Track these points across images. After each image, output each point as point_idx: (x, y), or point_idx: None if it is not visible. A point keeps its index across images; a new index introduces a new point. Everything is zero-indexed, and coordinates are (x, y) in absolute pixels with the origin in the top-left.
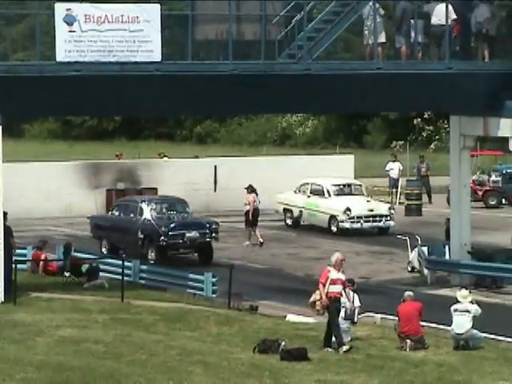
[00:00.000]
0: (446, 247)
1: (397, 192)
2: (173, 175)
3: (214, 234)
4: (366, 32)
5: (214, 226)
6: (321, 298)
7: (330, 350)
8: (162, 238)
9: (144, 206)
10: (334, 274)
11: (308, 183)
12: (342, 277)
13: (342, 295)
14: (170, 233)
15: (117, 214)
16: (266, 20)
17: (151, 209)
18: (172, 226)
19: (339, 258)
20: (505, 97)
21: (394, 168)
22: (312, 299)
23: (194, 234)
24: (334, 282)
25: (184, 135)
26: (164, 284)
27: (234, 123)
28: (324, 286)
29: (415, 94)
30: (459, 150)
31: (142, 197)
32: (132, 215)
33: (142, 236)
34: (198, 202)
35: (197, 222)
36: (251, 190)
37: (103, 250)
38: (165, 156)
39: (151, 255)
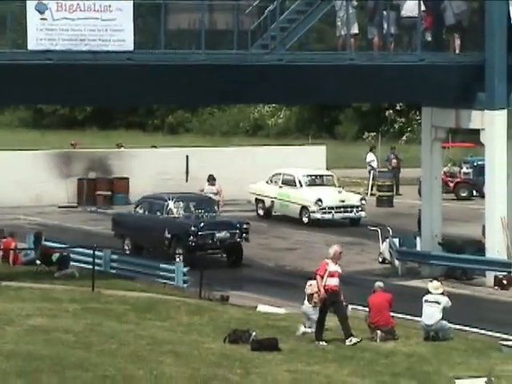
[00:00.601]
0: (418, 238)
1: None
2: (144, 165)
3: (244, 235)
4: (339, 23)
5: (244, 226)
6: (318, 290)
7: (322, 343)
8: (192, 237)
9: (171, 203)
10: (332, 266)
11: (280, 174)
12: (340, 270)
13: (339, 288)
14: (200, 232)
15: (141, 211)
16: (239, 10)
17: (179, 207)
18: (202, 225)
19: (338, 250)
20: (476, 89)
21: (375, 159)
22: (309, 291)
23: (224, 234)
24: (331, 275)
25: (156, 125)
26: (135, 274)
27: (206, 113)
28: (322, 278)
29: (387, 86)
30: (431, 142)
31: (168, 194)
32: (158, 213)
33: (169, 235)
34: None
35: (227, 221)
36: (213, 179)
37: (126, 249)
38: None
39: (179, 256)
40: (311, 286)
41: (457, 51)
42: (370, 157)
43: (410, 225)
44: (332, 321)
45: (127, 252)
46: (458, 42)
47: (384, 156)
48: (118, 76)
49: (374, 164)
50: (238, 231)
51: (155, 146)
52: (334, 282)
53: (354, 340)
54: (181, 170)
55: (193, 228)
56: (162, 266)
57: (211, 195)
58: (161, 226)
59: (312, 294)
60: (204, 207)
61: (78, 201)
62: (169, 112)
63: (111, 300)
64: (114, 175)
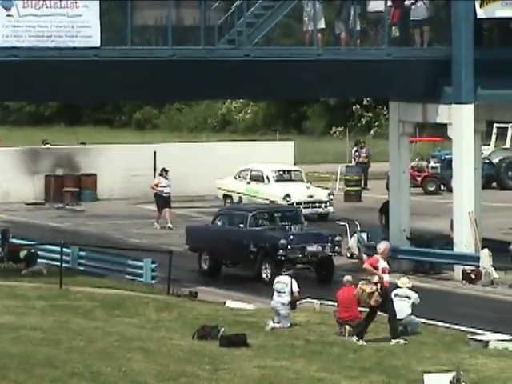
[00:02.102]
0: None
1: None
2: (112, 161)
3: (336, 248)
4: (306, 18)
5: (336, 239)
6: (376, 289)
7: (361, 341)
8: (281, 251)
9: (255, 215)
10: (382, 263)
11: (248, 169)
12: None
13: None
14: (290, 246)
15: (221, 223)
16: (206, 5)
17: (264, 218)
18: (291, 237)
19: (388, 247)
20: (444, 83)
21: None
22: (369, 290)
23: (315, 247)
24: (384, 271)
25: (123, 121)
26: (103, 270)
27: (174, 109)
28: (376, 269)
29: (354, 81)
30: (398, 137)
31: (251, 205)
32: (241, 225)
33: (254, 249)
34: (137, 189)
35: (317, 233)
36: (160, 173)
37: (203, 265)
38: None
39: (266, 271)
40: (368, 285)
41: (425, 46)
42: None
43: (378, 219)
44: (301, 316)
45: (205, 269)
46: (426, 36)
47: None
48: (84, 72)
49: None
50: (329, 244)
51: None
52: (386, 278)
53: (402, 342)
54: (148, 166)
55: (282, 241)
56: (131, 262)
57: (168, 188)
58: (245, 239)
59: (373, 293)
60: (290, 218)
61: (46, 197)
62: (136, 108)
63: (79, 297)
64: (81, 172)
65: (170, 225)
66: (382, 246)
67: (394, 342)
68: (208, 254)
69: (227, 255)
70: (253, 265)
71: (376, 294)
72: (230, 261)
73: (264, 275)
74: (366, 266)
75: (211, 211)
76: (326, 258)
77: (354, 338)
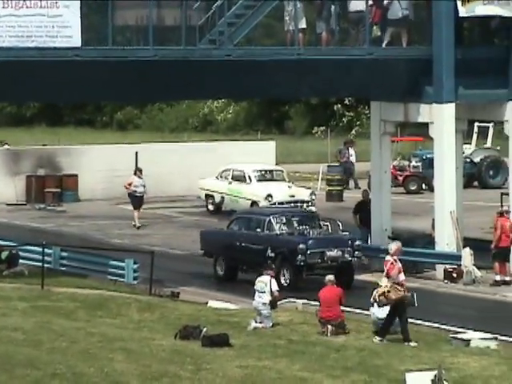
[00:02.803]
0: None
1: (352, 177)
2: (93, 162)
3: (356, 253)
4: (287, 18)
5: (356, 243)
6: (391, 289)
7: (381, 339)
8: (300, 256)
9: (273, 219)
10: (398, 262)
11: (230, 169)
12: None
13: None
14: (309, 251)
15: (237, 228)
16: (187, 5)
17: (282, 223)
18: (310, 242)
19: (399, 247)
20: (425, 82)
21: (353, 153)
22: (382, 290)
23: (335, 252)
24: (400, 271)
25: (104, 122)
26: (85, 271)
27: (155, 109)
28: (389, 277)
29: (336, 80)
30: (380, 136)
31: (268, 209)
32: (258, 230)
33: (272, 254)
34: (118, 189)
35: (337, 238)
36: (134, 172)
37: (218, 270)
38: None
39: (284, 277)
40: (382, 288)
41: (404, 45)
42: (350, 151)
43: (353, 220)
44: (283, 316)
45: (220, 274)
46: (405, 36)
47: (335, 150)
48: (65, 72)
49: (353, 159)
50: (349, 249)
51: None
52: (402, 277)
53: (412, 344)
54: (130, 166)
55: (301, 245)
56: (112, 262)
57: (141, 187)
58: (262, 244)
59: (384, 293)
60: (308, 222)
61: (27, 198)
62: (117, 108)
63: (61, 297)
64: (63, 172)
65: (136, 223)
66: (394, 247)
67: (377, 339)
68: (224, 259)
69: (243, 260)
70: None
71: (391, 288)
72: (247, 266)
73: (282, 281)
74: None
75: (193, 211)
76: (346, 263)
77: (377, 338)
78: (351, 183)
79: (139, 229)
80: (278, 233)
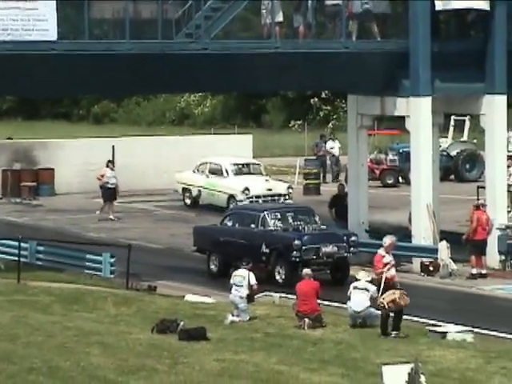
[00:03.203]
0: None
1: (338, 171)
2: (70, 156)
3: (352, 249)
4: (264, 11)
5: (352, 239)
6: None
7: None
8: (295, 252)
9: (268, 215)
10: (387, 257)
11: (207, 163)
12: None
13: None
14: (304, 246)
15: (230, 224)
16: None
17: (276, 218)
18: (306, 238)
19: (393, 241)
20: (401, 76)
21: (335, 146)
22: (391, 297)
23: (330, 248)
24: (391, 266)
25: (81, 115)
26: (61, 265)
27: (132, 103)
28: (382, 273)
29: (313, 73)
30: (356, 129)
31: (262, 205)
32: (253, 226)
33: (267, 250)
34: (95, 183)
35: (332, 233)
36: (106, 165)
37: (212, 267)
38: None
39: (279, 273)
40: (390, 295)
41: (378, 39)
42: (330, 144)
43: (329, 214)
44: (260, 309)
45: (213, 271)
46: (374, 29)
47: (312, 144)
48: (41, 66)
49: (336, 151)
50: (345, 244)
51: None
52: (392, 272)
53: (396, 334)
54: (107, 160)
55: (296, 241)
56: (89, 256)
57: (114, 179)
58: (257, 240)
59: (394, 300)
60: (303, 218)
61: (3, 192)
62: (94, 102)
63: (37, 292)
64: (39, 166)
65: (111, 216)
66: (388, 241)
67: (393, 334)
68: (217, 256)
69: (238, 257)
70: (265, 266)
71: (399, 295)
72: (241, 262)
73: (277, 277)
74: (377, 272)
75: (170, 205)
76: (341, 259)
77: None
78: (328, 177)
79: (110, 221)
80: (273, 229)
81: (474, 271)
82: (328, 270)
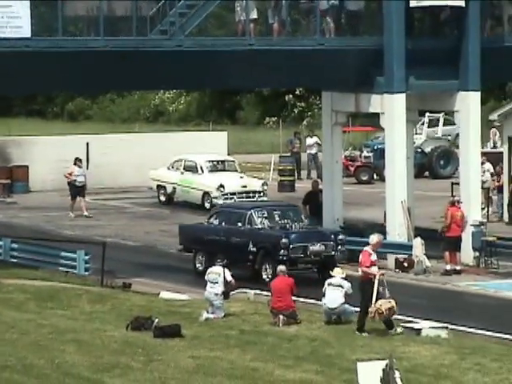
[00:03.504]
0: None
1: (317, 167)
2: (44, 153)
3: (340, 247)
4: (238, 8)
5: (339, 237)
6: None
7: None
8: (282, 251)
9: (254, 213)
10: (374, 256)
11: (181, 160)
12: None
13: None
14: (292, 245)
15: (217, 222)
16: None
17: (263, 217)
18: (293, 236)
19: (381, 240)
20: (376, 73)
21: (312, 143)
22: (389, 306)
23: (318, 246)
24: (373, 264)
25: (55, 112)
26: (36, 262)
27: (107, 100)
28: (369, 268)
29: (287, 70)
30: (331, 126)
31: (249, 203)
32: (239, 224)
33: (254, 249)
34: None
35: (320, 232)
36: (74, 162)
37: (198, 265)
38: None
39: (267, 272)
40: (387, 303)
41: (332, 35)
42: (308, 141)
43: (303, 211)
44: (235, 306)
45: (200, 269)
46: (331, 25)
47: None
48: (15, 63)
49: (313, 149)
50: (332, 243)
51: None
52: (374, 269)
53: (364, 334)
54: (81, 157)
55: (284, 240)
56: (64, 254)
57: (82, 177)
58: (244, 239)
59: (391, 308)
60: (290, 217)
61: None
62: (68, 99)
63: (11, 289)
64: (13, 163)
65: (85, 213)
66: (376, 239)
67: (357, 333)
68: (203, 255)
69: (224, 255)
70: (252, 265)
71: (394, 304)
72: (228, 261)
73: (264, 276)
74: (364, 270)
75: (145, 202)
76: (329, 258)
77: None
78: (303, 173)
79: (85, 218)
80: (260, 227)
81: (448, 267)
82: (315, 269)
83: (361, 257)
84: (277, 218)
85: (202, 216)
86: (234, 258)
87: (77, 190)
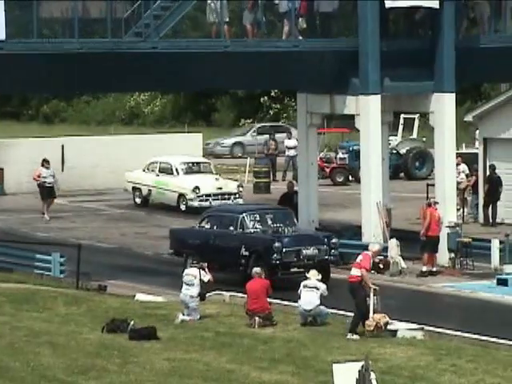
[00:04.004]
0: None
1: (294, 169)
2: (19, 155)
3: (333, 251)
4: (208, 11)
5: (333, 241)
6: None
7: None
8: (275, 255)
9: (246, 217)
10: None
11: (157, 162)
12: None
13: None
14: (284, 249)
15: (208, 226)
16: None
17: (255, 220)
18: (286, 240)
19: (381, 250)
20: (351, 74)
21: (290, 144)
22: (385, 321)
23: (311, 250)
24: (368, 271)
25: (30, 115)
26: (10, 265)
27: (82, 102)
28: (369, 271)
29: (262, 72)
30: (306, 128)
31: (241, 206)
32: (231, 228)
33: (246, 253)
34: None
35: (313, 235)
36: (41, 164)
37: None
38: None
39: None
40: (383, 318)
41: (283, 37)
42: (287, 143)
43: None
44: (211, 308)
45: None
46: (286, 28)
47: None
48: None
49: (291, 151)
50: (326, 247)
51: None
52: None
53: (355, 337)
54: (56, 159)
55: (277, 244)
56: (39, 256)
57: (50, 178)
58: (235, 243)
59: (387, 323)
60: (282, 220)
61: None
62: (43, 101)
63: None
64: None
65: (46, 215)
66: (377, 247)
67: (349, 335)
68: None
69: (216, 260)
70: (244, 269)
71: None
72: (219, 265)
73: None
74: (364, 274)
75: (120, 204)
76: (322, 262)
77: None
78: (278, 175)
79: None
80: (252, 231)
81: (425, 269)
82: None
83: (360, 258)
84: (269, 222)
85: (177, 218)
86: (226, 263)
87: (46, 190)
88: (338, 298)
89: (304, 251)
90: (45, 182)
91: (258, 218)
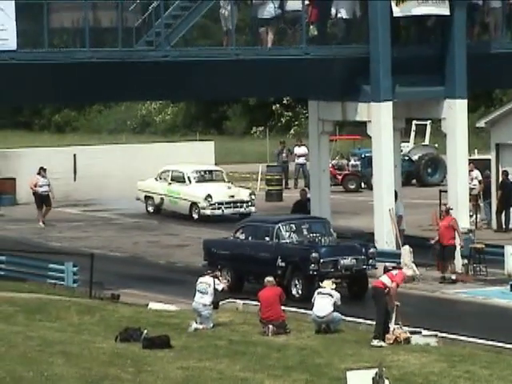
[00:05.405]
0: None
1: (304, 176)
2: (31, 165)
3: (371, 261)
4: (222, 18)
5: (370, 251)
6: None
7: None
8: (312, 265)
9: (282, 227)
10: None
11: (169, 170)
12: None
13: None
14: (322, 259)
15: (243, 237)
16: (123, 7)
17: (291, 231)
18: (323, 250)
19: (411, 276)
20: (362, 81)
21: (300, 152)
22: (405, 336)
23: (349, 260)
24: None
25: (42, 124)
26: (23, 275)
27: (93, 111)
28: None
29: (274, 80)
30: (318, 135)
31: (277, 217)
32: (267, 239)
33: (283, 264)
34: (57, 192)
35: (350, 245)
36: (38, 172)
37: (224, 281)
38: None
39: (296, 287)
40: (404, 334)
41: (269, 45)
42: (297, 150)
43: None
44: (223, 316)
45: (226, 285)
46: (270, 36)
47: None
48: (1, 76)
49: (302, 159)
50: (363, 257)
51: None
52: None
53: (382, 344)
54: (68, 169)
55: (314, 254)
56: (52, 266)
57: (46, 187)
58: (271, 253)
59: (407, 338)
60: (318, 230)
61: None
62: (55, 111)
63: (0, 302)
64: (0, 176)
65: (41, 223)
66: (410, 274)
67: (374, 342)
68: (229, 270)
69: (251, 271)
70: (281, 280)
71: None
72: (254, 277)
73: (294, 291)
74: (394, 288)
75: (132, 213)
76: (359, 272)
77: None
78: (291, 182)
79: (44, 228)
80: (288, 241)
81: (446, 275)
82: (345, 284)
83: (396, 272)
84: (305, 232)
85: (189, 227)
86: (262, 274)
87: (41, 199)
88: (352, 305)
89: (341, 261)
90: (41, 190)
91: (293, 228)
